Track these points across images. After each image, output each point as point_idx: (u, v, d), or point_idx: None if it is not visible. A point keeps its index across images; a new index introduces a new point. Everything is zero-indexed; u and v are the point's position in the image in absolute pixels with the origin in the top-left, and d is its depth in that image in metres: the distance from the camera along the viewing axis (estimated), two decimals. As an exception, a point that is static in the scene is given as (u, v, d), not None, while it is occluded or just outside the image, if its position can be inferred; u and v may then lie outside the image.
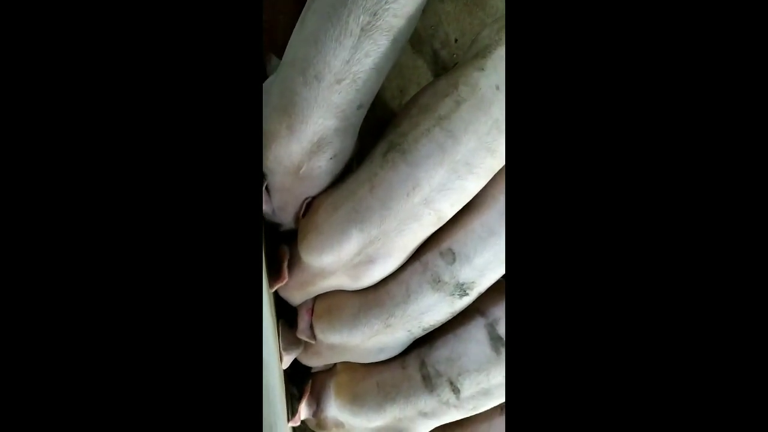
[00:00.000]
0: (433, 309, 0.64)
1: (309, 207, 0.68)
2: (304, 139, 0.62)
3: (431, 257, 0.64)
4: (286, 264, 0.70)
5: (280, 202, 0.69)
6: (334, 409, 0.72)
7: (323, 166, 0.65)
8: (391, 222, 0.61)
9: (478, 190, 0.62)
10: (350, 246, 0.63)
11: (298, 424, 0.74)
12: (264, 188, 0.68)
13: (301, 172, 0.65)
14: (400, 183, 0.60)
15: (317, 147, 0.63)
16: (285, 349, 0.73)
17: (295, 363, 0.77)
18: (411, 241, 0.63)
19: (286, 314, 0.76)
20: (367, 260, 0.64)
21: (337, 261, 0.65)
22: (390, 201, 0.60)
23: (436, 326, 0.66)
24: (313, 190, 0.68)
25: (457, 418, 0.66)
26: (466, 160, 0.59)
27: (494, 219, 0.62)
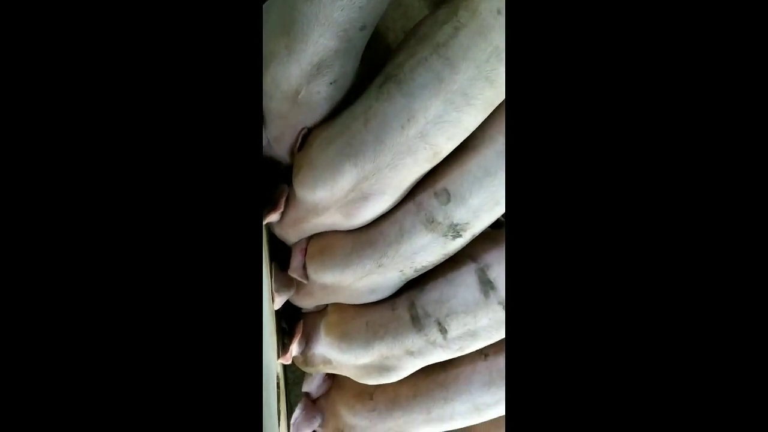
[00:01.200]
0: (426, 249, 0.64)
1: (305, 140, 0.68)
2: (303, 61, 0.60)
3: (425, 197, 0.63)
4: (284, 198, 0.70)
5: (276, 132, 0.69)
6: (323, 347, 0.73)
7: (322, 92, 0.63)
8: (385, 156, 0.60)
9: (476, 124, 0.60)
10: (344, 181, 0.62)
11: (289, 362, 0.76)
12: None
13: (299, 97, 0.63)
14: (394, 115, 0.59)
15: (317, 70, 0.61)
16: (277, 291, 0.74)
17: (288, 305, 0.78)
18: (405, 179, 0.62)
19: (280, 258, 0.77)
20: (360, 197, 0.63)
21: (330, 197, 0.64)
22: (384, 134, 0.59)
23: (429, 267, 0.66)
24: (311, 118, 0.66)
25: (444, 359, 0.67)
26: (464, 90, 0.57)
27: (491, 159, 0.61)
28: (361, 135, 0.60)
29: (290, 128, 0.68)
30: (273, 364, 0.72)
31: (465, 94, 0.57)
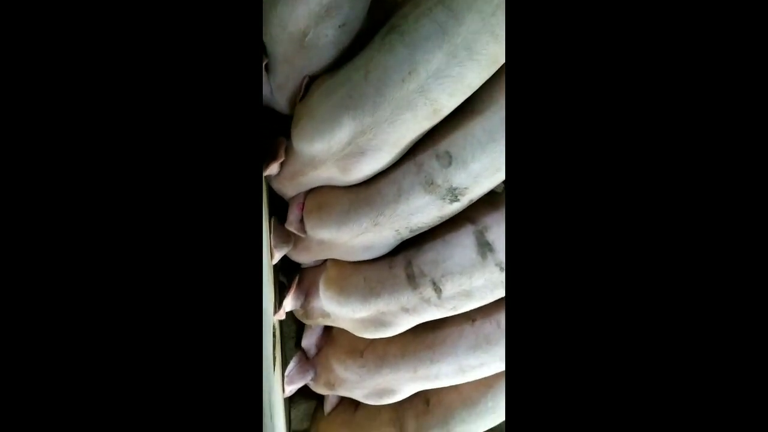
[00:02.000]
0: (423, 211, 0.64)
1: (307, 89, 0.66)
2: (312, 1, 0.58)
3: (426, 158, 0.63)
4: (283, 149, 0.70)
5: (281, 78, 0.67)
6: (322, 301, 0.75)
7: (330, 35, 0.62)
8: (384, 110, 0.59)
9: (480, 82, 0.59)
10: (341, 134, 0.61)
11: (283, 317, 0.78)
12: (264, 67, 0.66)
13: (306, 39, 0.61)
14: (395, 67, 0.57)
15: (326, 11, 0.59)
16: (276, 246, 0.74)
17: (286, 261, 0.79)
18: (404, 136, 0.61)
19: (279, 213, 0.77)
20: (357, 152, 0.62)
21: (327, 150, 0.63)
22: (384, 87, 0.58)
23: (424, 229, 0.66)
24: (316, 63, 0.65)
25: (438, 317, 0.68)
26: (467, 44, 0.56)
27: (496, 124, 0.60)
28: (362, 87, 0.59)
29: (295, 74, 0.66)
30: (270, 315, 0.73)
31: (469, 48, 0.56)
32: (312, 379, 0.80)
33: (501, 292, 0.66)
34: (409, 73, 0.57)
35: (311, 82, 0.66)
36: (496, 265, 0.64)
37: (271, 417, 0.68)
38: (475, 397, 0.74)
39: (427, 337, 0.72)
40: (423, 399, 0.77)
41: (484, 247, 0.65)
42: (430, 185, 0.62)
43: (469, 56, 0.56)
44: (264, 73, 0.66)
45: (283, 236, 0.75)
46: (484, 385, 0.74)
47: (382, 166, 0.65)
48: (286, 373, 0.79)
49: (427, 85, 0.57)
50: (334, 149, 0.63)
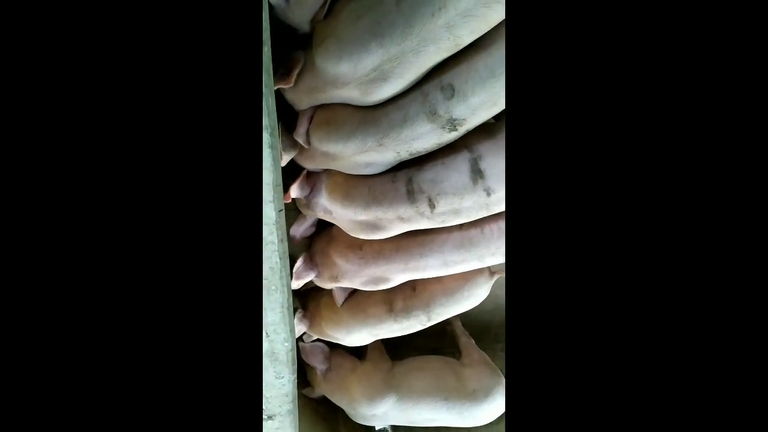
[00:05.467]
0: (424, 137, 0.69)
1: (331, 9, 0.67)
2: None
3: (432, 89, 0.67)
4: (297, 71, 0.72)
5: None
6: (325, 199, 0.83)
7: None
8: (411, 41, 0.61)
9: (497, 22, 0.61)
10: (369, 60, 0.63)
11: (289, 201, 0.84)
12: None
13: None
14: (428, 0, 0.58)
15: None
16: (284, 149, 0.79)
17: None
18: (424, 65, 0.64)
19: (287, 121, 0.80)
20: (381, 77, 0.65)
21: (353, 73, 0.65)
22: (414, 18, 0.59)
23: (422, 153, 0.72)
24: None
25: (427, 227, 0.79)
26: None
27: (497, 60, 0.63)
28: (392, 15, 0.60)
29: None
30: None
31: None
32: (317, 275, 0.92)
33: (485, 213, 0.75)
34: (440, 8, 0.58)
35: (335, 2, 0.66)
36: (484, 190, 0.72)
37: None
38: (455, 287, 0.89)
39: (418, 236, 0.83)
40: (410, 286, 0.91)
41: (476, 174, 0.72)
42: (432, 115, 0.67)
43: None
44: None
45: (291, 142, 0.80)
46: (462, 278, 0.88)
47: (399, 90, 0.68)
48: (294, 270, 0.90)
49: (454, 22, 0.59)
50: (360, 73, 0.65)
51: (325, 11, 0.66)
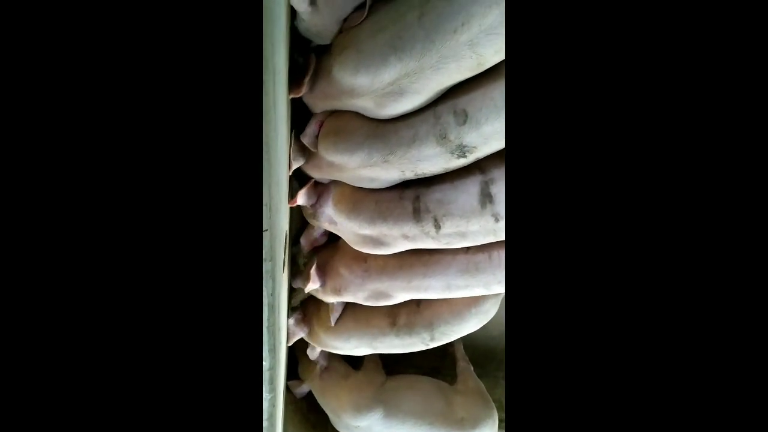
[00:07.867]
0: (431, 160, 0.67)
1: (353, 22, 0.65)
2: None
3: (445, 112, 0.64)
4: (308, 78, 0.71)
5: None
6: (331, 210, 0.82)
7: None
8: (431, 57, 0.59)
9: None
10: (387, 74, 0.62)
11: (294, 205, 0.83)
12: None
13: None
14: (451, 15, 0.56)
15: None
16: (294, 157, 0.79)
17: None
18: (443, 83, 0.62)
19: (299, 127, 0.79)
20: (397, 91, 0.63)
21: (369, 85, 0.64)
22: (435, 34, 0.57)
23: (428, 175, 0.71)
24: None
25: (431, 248, 0.76)
26: None
27: None
28: (413, 29, 0.59)
29: None
30: (284, 222, 0.81)
31: None
32: (321, 287, 0.91)
33: (492, 238, 0.72)
34: (462, 24, 0.56)
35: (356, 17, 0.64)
36: (492, 215, 0.69)
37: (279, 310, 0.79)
38: (461, 306, 0.85)
39: (423, 255, 0.81)
40: (415, 302, 0.89)
41: (486, 197, 0.69)
42: (442, 139, 0.65)
43: None
44: None
45: (300, 149, 0.80)
46: (471, 298, 0.85)
47: (415, 106, 0.66)
48: (310, 273, 0.89)
49: (478, 40, 0.56)
50: (376, 86, 0.64)
51: (364, 15, 0.64)
